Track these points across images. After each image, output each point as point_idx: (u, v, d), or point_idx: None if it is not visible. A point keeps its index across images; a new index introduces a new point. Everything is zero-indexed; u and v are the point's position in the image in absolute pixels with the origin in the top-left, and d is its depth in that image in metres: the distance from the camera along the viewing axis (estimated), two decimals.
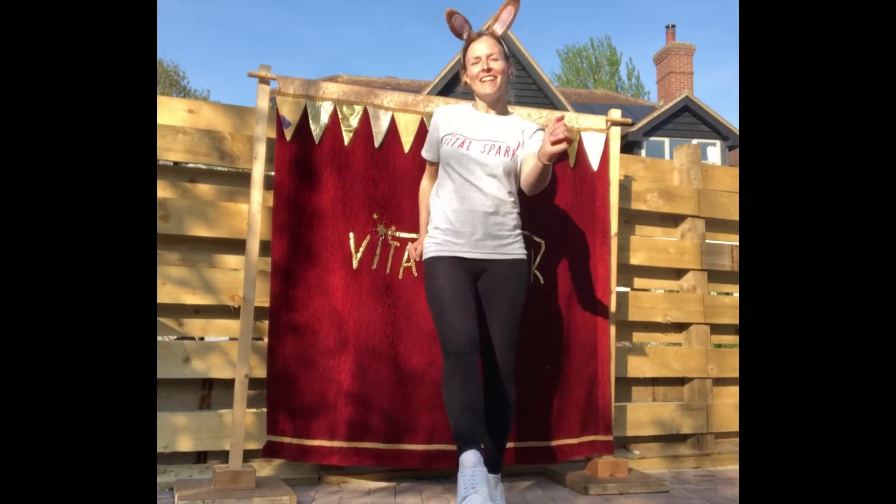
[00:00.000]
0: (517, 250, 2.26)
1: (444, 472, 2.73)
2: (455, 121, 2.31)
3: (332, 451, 2.46)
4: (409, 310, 2.56)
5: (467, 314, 2.10)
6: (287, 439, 2.44)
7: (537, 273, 2.75)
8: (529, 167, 2.14)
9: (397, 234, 2.61)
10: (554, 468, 2.82)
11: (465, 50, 2.31)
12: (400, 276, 2.59)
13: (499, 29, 2.33)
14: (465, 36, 2.32)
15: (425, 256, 2.25)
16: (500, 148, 2.23)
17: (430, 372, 2.54)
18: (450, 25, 2.32)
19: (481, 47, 2.25)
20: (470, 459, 1.97)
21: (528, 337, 2.65)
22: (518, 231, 2.29)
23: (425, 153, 2.39)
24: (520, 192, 2.31)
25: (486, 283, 2.24)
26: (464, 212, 2.20)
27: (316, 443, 2.45)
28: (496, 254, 2.22)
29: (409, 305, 2.57)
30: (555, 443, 2.71)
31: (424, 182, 2.47)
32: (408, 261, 2.60)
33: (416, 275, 2.60)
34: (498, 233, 2.22)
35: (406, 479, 2.69)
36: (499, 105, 2.34)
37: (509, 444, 2.63)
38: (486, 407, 2.18)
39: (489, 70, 2.24)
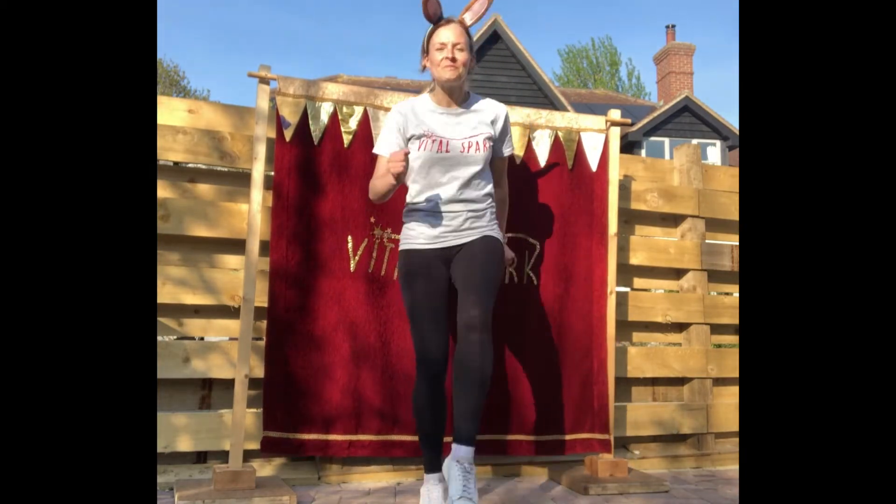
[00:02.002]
0: (489, 231, 2.25)
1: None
2: (422, 119, 2.24)
3: (327, 445, 2.50)
4: (401, 309, 2.60)
5: (440, 325, 2.19)
6: (284, 434, 2.46)
7: (531, 274, 2.76)
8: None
9: (393, 236, 2.63)
10: (554, 468, 2.82)
11: (430, 33, 2.22)
12: (394, 278, 2.61)
13: (468, 19, 2.26)
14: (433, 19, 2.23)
15: (401, 247, 2.27)
16: (476, 144, 2.22)
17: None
18: (424, 11, 2.21)
19: (447, 34, 2.18)
20: (435, 487, 2.24)
21: (519, 335, 2.71)
22: (492, 217, 2.29)
23: (381, 151, 2.27)
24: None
25: (460, 256, 2.22)
26: (440, 211, 2.21)
27: (312, 437, 2.49)
28: (469, 235, 2.23)
29: (402, 305, 2.59)
30: (546, 437, 2.74)
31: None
32: None
33: None
34: (473, 225, 2.24)
35: (406, 478, 2.69)
36: (459, 93, 2.27)
37: (502, 437, 2.68)
38: (460, 365, 2.07)
39: (453, 59, 2.17)
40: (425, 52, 2.25)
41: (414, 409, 2.24)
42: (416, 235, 2.23)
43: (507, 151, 2.39)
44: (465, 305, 2.11)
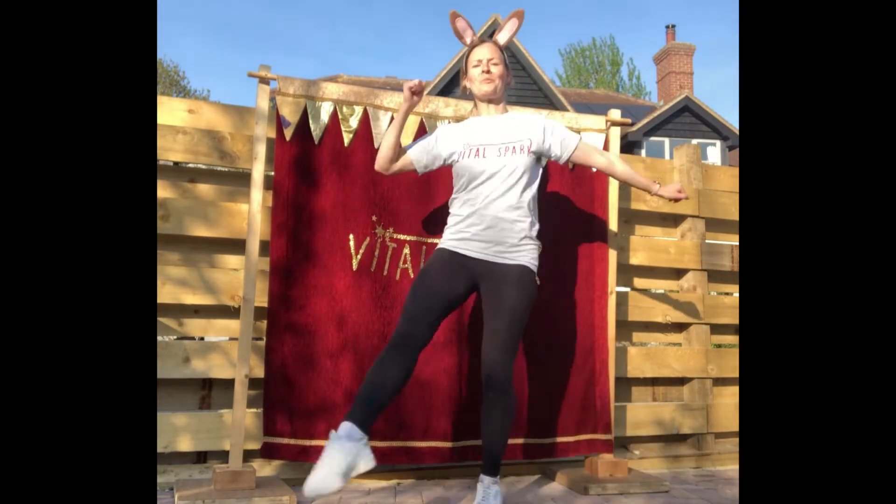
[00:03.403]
0: (523, 258, 2.23)
1: (443, 473, 2.74)
2: (464, 133, 2.32)
3: None
4: None
5: (428, 315, 2.13)
6: (285, 440, 2.44)
7: None
8: (623, 176, 2.45)
9: (395, 235, 2.61)
10: (554, 468, 2.82)
11: (467, 54, 2.37)
12: (397, 278, 2.59)
13: (501, 38, 2.39)
14: (467, 41, 2.39)
15: (438, 246, 2.30)
16: (514, 147, 2.26)
17: (426, 371, 2.55)
18: (453, 27, 2.39)
19: (483, 51, 2.32)
20: (340, 430, 1.96)
21: (524, 336, 2.67)
22: (528, 238, 2.25)
23: (414, 155, 2.33)
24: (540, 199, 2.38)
25: (487, 287, 2.22)
26: (476, 221, 2.22)
27: (314, 442, 2.45)
28: (500, 258, 2.21)
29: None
30: (552, 440, 2.72)
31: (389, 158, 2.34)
32: (405, 262, 2.61)
33: (412, 276, 2.61)
34: (505, 238, 2.21)
35: (406, 479, 2.69)
36: (499, 107, 2.38)
37: (514, 441, 2.65)
38: (485, 410, 2.20)
39: (489, 72, 2.29)
40: (465, 73, 2.38)
41: (365, 378, 2.07)
42: (449, 239, 2.29)
43: (569, 144, 2.36)
44: (495, 356, 2.18)
